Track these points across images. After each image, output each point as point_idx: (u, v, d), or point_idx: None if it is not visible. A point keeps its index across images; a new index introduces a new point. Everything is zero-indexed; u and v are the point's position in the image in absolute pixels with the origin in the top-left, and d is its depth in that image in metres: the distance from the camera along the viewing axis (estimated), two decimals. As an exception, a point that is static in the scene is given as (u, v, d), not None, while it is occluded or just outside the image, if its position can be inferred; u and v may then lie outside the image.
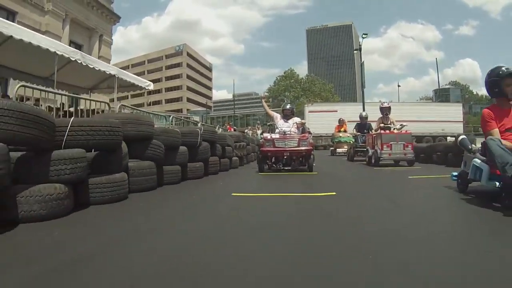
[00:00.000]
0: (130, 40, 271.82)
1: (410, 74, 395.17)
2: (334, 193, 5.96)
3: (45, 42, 9.19)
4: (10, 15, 22.62)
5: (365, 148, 14.25)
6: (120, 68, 19.10)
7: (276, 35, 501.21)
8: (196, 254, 2.73)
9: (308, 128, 13.12)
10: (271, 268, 2.37)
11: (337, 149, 20.71)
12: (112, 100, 13.65)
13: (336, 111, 31.75)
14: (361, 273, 2.23)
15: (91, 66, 10.79)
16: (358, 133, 15.88)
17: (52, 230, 3.47)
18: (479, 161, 4.98)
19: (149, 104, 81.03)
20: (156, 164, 6.64)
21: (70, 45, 23.11)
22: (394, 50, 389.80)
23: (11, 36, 8.13)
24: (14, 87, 7.60)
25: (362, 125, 16.07)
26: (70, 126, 4.65)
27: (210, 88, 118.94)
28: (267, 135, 11.12)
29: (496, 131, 4.67)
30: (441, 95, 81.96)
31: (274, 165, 10.57)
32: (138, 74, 60.32)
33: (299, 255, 2.68)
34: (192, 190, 6.93)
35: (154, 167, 6.56)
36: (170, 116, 20.70)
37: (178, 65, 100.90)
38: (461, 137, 5.75)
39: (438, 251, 2.72)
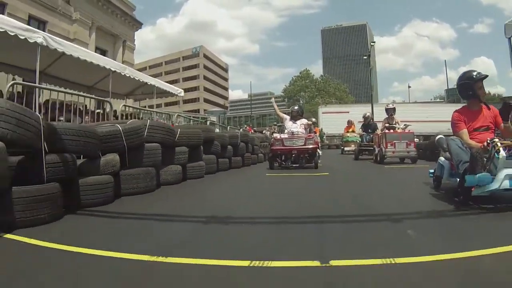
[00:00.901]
0: (145, 41, 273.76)
1: (425, 73, 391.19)
2: (327, 174, 9.81)
3: (100, 60, 11.27)
4: (41, 24, 24.23)
5: (371, 146, 15.19)
6: (137, 69, 21.05)
7: (291, 35, 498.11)
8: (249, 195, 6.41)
9: (314, 128, 13.86)
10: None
11: (345, 148, 21.99)
12: (152, 106, 15.82)
13: (348, 112, 32.56)
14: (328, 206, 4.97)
15: (136, 78, 12.75)
16: (364, 133, 16.61)
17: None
18: (443, 158, 5.53)
19: (166, 105, 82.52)
20: (216, 157, 10.25)
21: (95, 51, 25.24)
22: (409, 49, 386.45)
23: (64, 53, 9.83)
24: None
25: (367, 125, 16.82)
26: (179, 134, 7.99)
27: (226, 89, 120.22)
28: (277, 135, 12.15)
29: (464, 131, 4.93)
30: (453, 95, 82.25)
31: (283, 162, 11.49)
32: (156, 75, 61.80)
33: (301, 198, 5.79)
34: (239, 173, 10.97)
35: (215, 159, 10.22)
36: (190, 117, 22.25)
37: (195, 66, 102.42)
38: (438, 136, 6.05)
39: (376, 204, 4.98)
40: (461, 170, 4.39)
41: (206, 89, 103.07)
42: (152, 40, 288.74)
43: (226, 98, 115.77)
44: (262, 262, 2.54)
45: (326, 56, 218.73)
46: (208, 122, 22.25)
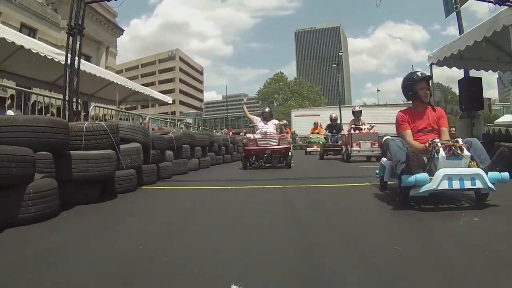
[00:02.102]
0: (119, 43, 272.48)
1: (398, 74, 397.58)
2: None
3: (108, 75, 13.83)
4: (32, 32, 25.97)
5: (336, 147, 16.36)
6: (115, 72, 23.18)
7: (265, 37, 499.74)
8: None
9: (285, 128, 14.19)
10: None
11: (308, 149, 23.34)
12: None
13: (319, 115, 33.70)
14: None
15: (136, 90, 15.51)
16: (329, 133, 17.44)
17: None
18: (385, 159, 5.47)
19: (142, 107, 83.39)
20: (215, 154, 14.29)
21: (82, 57, 26.79)
22: (382, 50, 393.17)
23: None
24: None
25: (332, 126, 17.69)
26: (196, 138, 12.22)
27: (201, 91, 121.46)
28: (250, 136, 12.27)
29: (408, 132, 4.87)
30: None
31: (255, 162, 11.70)
32: (132, 78, 64.37)
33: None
34: (232, 165, 14.31)
35: (215, 156, 14.22)
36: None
37: (171, 69, 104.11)
38: (385, 137, 6.03)
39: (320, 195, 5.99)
40: (399, 171, 4.35)
41: (182, 92, 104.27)
42: (126, 41, 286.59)
43: (201, 100, 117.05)
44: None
45: (299, 57, 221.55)
46: (182, 124, 24.06)
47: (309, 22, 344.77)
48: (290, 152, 12.05)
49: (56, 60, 10.29)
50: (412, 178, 3.98)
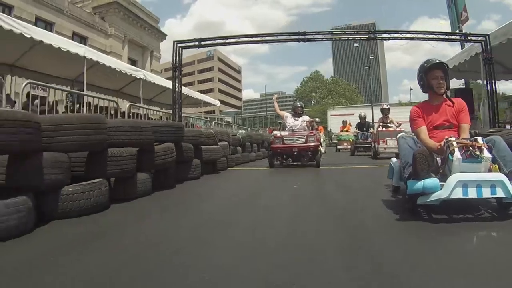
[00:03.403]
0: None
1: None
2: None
3: (167, 83, 15.29)
4: (82, 40, 27.50)
5: (366, 144, 16.44)
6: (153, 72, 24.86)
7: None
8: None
9: (317, 125, 13.71)
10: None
11: (338, 146, 23.34)
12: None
13: (353, 114, 33.98)
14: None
15: (189, 95, 16.96)
16: (359, 131, 17.66)
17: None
18: (395, 160, 4.95)
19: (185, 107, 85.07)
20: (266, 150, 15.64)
21: (128, 62, 29.50)
22: (417, 46, 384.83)
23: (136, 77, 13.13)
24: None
25: (362, 124, 17.81)
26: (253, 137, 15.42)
27: (239, 90, 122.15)
28: (276, 133, 11.62)
29: (422, 129, 4.22)
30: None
31: (284, 161, 11.26)
32: (170, 78, 65.23)
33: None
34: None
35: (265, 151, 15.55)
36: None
37: (209, 69, 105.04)
38: (399, 135, 4.85)
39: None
40: (406, 174, 3.80)
41: (220, 91, 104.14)
42: (162, 42, 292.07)
43: (239, 98, 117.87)
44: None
45: (336, 55, 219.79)
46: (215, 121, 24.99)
47: (343, 19, 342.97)
48: (321, 150, 11.72)
49: (129, 74, 12.81)
50: (419, 184, 3.43)
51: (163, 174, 6.23)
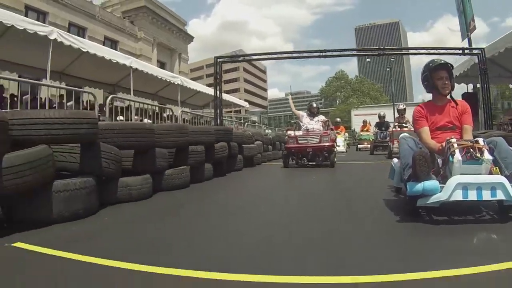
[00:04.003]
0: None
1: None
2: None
3: (198, 86, 16.59)
4: (113, 44, 28.70)
5: (384, 143, 16.56)
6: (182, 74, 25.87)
7: (324, 33, 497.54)
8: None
9: (332, 125, 13.56)
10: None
11: (358, 145, 23.79)
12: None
13: (376, 114, 34.35)
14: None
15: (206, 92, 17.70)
16: (378, 131, 17.89)
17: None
18: (396, 160, 4.88)
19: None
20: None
21: (157, 64, 30.82)
22: (441, 44, 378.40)
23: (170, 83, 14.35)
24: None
25: (380, 124, 17.95)
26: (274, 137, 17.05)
27: (265, 89, 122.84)
28: (291, 133, 11.74)
29: (424, 129, 4.21)
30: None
31: (299, 160, 11.22)
32: (197, 78, 67.26)
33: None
34: None
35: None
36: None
37: (235, 69, 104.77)
38: (401, 135, 4.70)
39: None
40: (406, 176, 3.77)
41: (246, 91, 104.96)
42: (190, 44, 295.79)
43: (265, 98, 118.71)
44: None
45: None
46: (247, 123, 26.02)
47: (367, 17, 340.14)
48: (335, 150, 11.72)
49: (168, 80, 14.34)
50: (419, 186, 3.44)
51: (219, 165, 8.50)
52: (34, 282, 2.24)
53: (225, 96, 19.60)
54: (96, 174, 4.39)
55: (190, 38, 39.96)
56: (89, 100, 9.38)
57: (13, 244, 2.94)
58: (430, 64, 4.29)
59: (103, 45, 23.81)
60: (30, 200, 3.55)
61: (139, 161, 5.71)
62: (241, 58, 17.22)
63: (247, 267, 2.37)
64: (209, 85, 24.70)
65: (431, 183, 3.42)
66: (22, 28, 8.10)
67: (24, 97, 9.06)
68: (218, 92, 14.26)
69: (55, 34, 8.86)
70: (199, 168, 7.34)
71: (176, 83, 14.53)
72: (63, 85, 11.81)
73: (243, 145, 10.87)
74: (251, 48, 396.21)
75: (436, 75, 4.22)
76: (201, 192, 6.35)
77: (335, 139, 12.30)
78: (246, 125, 20.65)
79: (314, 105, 12.14)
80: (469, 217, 3.61)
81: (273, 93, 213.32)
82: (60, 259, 2.61)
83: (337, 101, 77.17)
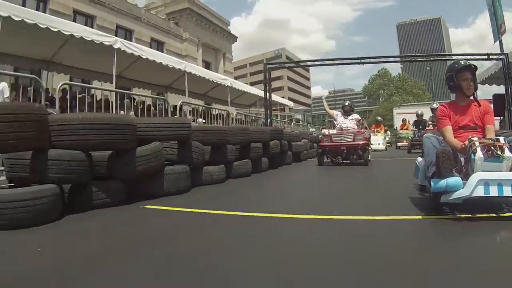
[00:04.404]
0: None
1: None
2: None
3: (247, 87, 17.51)
4: (160, 45, 29.96)
5: (421, 141, 15.94)
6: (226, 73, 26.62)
7: (366, 29, 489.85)
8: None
9: (365, 124, 13.35)
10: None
11: (398, 144, 23.64)
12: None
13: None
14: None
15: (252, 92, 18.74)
16: (415, 129, 17.95)
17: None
18: (420, 159, 4.96)
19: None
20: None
21: (202, 64, 32.27)
22: (484, 40, 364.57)
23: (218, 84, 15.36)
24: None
25: (418, 122, 17.99)
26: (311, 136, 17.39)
27: (308, 87, 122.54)
28: (325, 131, 11.81)
29: (447, 128, 4.32)
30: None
31: (334, 158, 11.26)
32: (240, 76, 69.26)
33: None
34: None
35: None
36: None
37: (278, 68, 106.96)
38: (426, 134, 4.91)
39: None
40: (430, 173, 3.91)
41: (290, 89, 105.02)
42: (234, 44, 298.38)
43: (308, 96, 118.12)
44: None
45: (403, 51, 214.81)
46: (293, 122, 27.42)
47: (408, 13, 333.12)
48: (369, 148, 12.04)
49: (219, 82, 15.40)
50: (442, 182, 3.56)
51: (272, 160, 10.04)
52: (163, 224, 3.90)
53: (272, 97, 20.40)
54: (188, 163, 5.97)
55: (233, 38, 40.83)
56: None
57: (145, 206, 4.66)
58: (456, 65, 4.39)
59: (150, 46, 25.76)
60: (150, 180, 5.19)
61: (215, 155, 7.25)
62: (288, 65, 18.58)
63: (295, 212, 4.07)
64: (252, 84, 25.92)
65: (454, 180, 3.53)
66: (90, 39, 9.10)
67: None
68: (267, 95, 15.86)
69: (119, 43, 9.88)
70: (258, 161, 8.94)
71: (226, 85, 15.60)
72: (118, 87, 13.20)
73: (291, 142, 12.23)
74: (293, 45, 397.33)
75: (461, 76, 4.31)
76: (260, 179, 8.04)
77: (369, 137, 12.28)
78: (292, 124, 21.82)
79: (347, 103, 12.28)
80: (491, 213, 3.66)
81: (316, 91, 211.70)
82: (176, 211, 4.41)
83: (380, 99, 76.63)
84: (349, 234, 3.24)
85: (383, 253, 2.66)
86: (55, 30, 8.29)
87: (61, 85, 7.42)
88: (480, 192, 3.43)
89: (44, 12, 18.42)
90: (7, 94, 7.91)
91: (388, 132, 25.18)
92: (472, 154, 3.66)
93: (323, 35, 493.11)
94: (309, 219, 3.84)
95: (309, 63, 16.76)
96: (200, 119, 12.60)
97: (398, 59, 16.78)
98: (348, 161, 10.99)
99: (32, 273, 2.34)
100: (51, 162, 3.89)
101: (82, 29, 9.34)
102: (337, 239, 3.11)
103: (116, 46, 9.71)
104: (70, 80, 12.09)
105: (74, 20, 21.08)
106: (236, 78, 51.68)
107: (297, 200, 5.26)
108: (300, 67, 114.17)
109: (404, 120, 25.05)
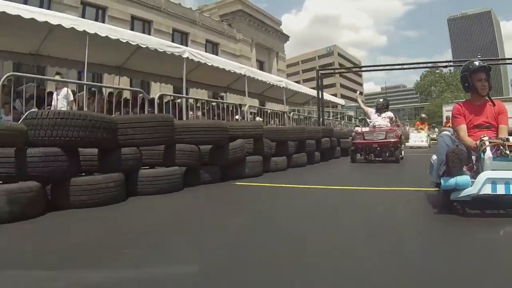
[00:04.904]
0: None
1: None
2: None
3: (299, 87, 18.80)
4: (214, 46, 31.31)
5: None
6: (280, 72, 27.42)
7: (418, 24, 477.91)
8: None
9: (398, 122, 13.49)
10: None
11: None
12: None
13: None
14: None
15: (314, 95, 20.04)
16: None
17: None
18: (434, 157, 4.91)
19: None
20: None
21: (256, 64, 33.66)
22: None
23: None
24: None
25: None
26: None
27: (361, 84, 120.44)
28: (358, 129, 12.07)
29: (462, 127, 4.39)
30: None
31: (367, 156, 11.52)
32: (293, 74, 71.12)
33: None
34: None
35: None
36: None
37: (330, 64, 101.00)
38: (442, 133, 4.92)
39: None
40: (441, 171, 3.96)
41: (342, 86, 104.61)
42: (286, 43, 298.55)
43: (361, 93, 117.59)
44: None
45: (455, 45, 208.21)
46: (343, 120, 28.33)
47: (459, 6, 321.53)
48: (401, 146, 12.24)
49: (276, 85, 16.83)
50: (452, 180, 3.71)
51: (323, 154, 11.95)
52: (247, 192, 6.20)
53: (326, 96, 21.61)
54: (261, 155, 8.26)
55: (285, 37, 41.39)
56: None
57: (234, 183, 6.94)
58: (470, 66, 4.43)
59: (205, 48, 28.18)
60: (236, 166, 7.46)
61: (279, 149, 9.25)
62: (339, 71, 20.08)
63: (339, 185, 6.44)
64: (305, 81, 27.32)
65: (463, 178, 3.66)
66: (162, 50, 10.53)
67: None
68: (320, 97, 18.02)
69: (187, 53, 11.17)
70: (312, 155, 10.97)
71: (281, 86, 16.84)
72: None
73: (340, 139, 13.95)
74: (343, 41, 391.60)
75: (476, 77, 4.37)
76: (313, 168, 10.22)
77: (401, 135, 12.22)
78: (342, 122, 23.46)
79: (381, 100, 12.48)
80: (501, 211, 3.86)
81: (369, 87, 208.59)
82: (255, 185, 6.65)
83: (434, 95, 75.16)
84: (371, 199, 5.28)
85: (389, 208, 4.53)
86: (134, 44, 9.89)
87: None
88: (487, 190, 3.57)
89: (103, 19, 21.61)
90: (71, 98, 9.20)
91: (436, 129, 26.03)
92: (482, 153, 3.80)
93: (374, 30, 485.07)
94: (348, 189, 6.19)
95: (356, 69, 18.57)
96: (259, 118, 14.49)
97: (450, 63, 17.43)
98: (381, 159, 11.31)
99: (186, 218, 4.27)
100: (177, 152, 6.17)
101: (156, 41, 10.97)
102: (364, 198, 5.39)
103: (184, 56, 11.09)
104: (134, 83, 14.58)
105: (132, 25, 23.64)
106: (288, 75, 54.62)
107: (341, 179, 7.83)
108: (353, 64, 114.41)
109: (447, 118, 25.35)
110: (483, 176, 3.59)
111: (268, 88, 17.80)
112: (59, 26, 8.18)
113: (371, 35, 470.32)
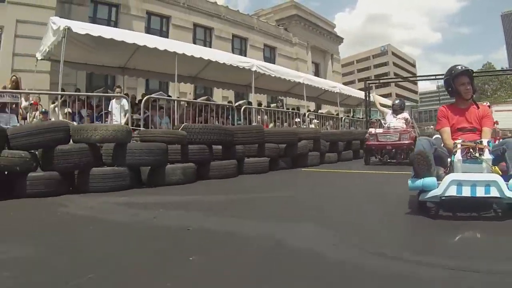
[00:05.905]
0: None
1: None
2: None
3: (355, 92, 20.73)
4: (272, 50, 33.05)
5: None
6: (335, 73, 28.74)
7: (473, 20, 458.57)
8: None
9: (413, 123, 13.46)
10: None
11: None
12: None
13: None
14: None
15: (357, 96, 21.73)
16: None
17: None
18: None
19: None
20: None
21: (312, 66, 35.24)
22: None
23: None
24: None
25: None
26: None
27: (415, 83, 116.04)
28: (371, 130, 11.72)
29: (445, 129, 4.42)
30: None
31: (381, 157, 11.37)
32: (348, 73, 76.58)
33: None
34: None
35: None
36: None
37: (384, 64, 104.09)
38: (434, 136, 5.00)
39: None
40: (412, 174, 4.00)
41: (397, 85, 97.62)
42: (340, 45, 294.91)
43: (415, 92, 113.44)
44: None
45: (509, 41, 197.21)
46: None
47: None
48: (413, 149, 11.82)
49: (331, 90, 18.90)
50: (419, 182, 3.78)
51: (355, 152, 13.98)
52: (312, 175, 9.35)
53: (377, 98, 22.24)
54: (318, 151, 11.58)
55: (340, 39, 42.00)
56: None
57: (302, 169, 10.26)
58: (452, 72, 4.41)
59: (263, 52, 30.40)
60: (302, 159, 10.78)
61: (331, 147, 12.48)
62: (384, 81, 20.61)
63: (358, 170, 9.94)
64: (360, 80, 28.59)
65: (429, 180, 3.71)
66: (235, 65, 12.71)
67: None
68: (367, 103, 19.37)
69: (255, 67, 13.18)
70: (356, 152, 13.91)
71: (335, 92, 18.76)
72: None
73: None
74: (397, 40, 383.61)
75: (458, 81, 4.37)
76: (345, 165, 11.92)
77: (416, 137, 11.41)
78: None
79: (397, 102, 12.21)
80: (473, 214, 3.82)
81: (424, 85, 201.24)
82: (317, 171, 9.98)
83: (488, 93, 72.47)
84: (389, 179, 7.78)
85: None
86: (206, 58, 11.97)
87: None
88: (452, 192, 3.58)
89: (167, 27, 24.66)
90: (127, 107, 9.99)
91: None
92: (453, 156, 3.93)
93: (429, 27, 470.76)
94: (373, 173, 9.15)
95: (404, 79, 19.95)
96: (265, 117, 15.99)
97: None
98: (395, 161, 11.09)
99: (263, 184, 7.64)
100: (266, 149, 9.51)
101: (228, 57, 13.25)
102: (384, 178, 8.20)
103: (253, 69, 13.17)
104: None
105: (194, 32, 25.99)
106: (344, 75, 55.15)
107: (375, 167, 10.55)
108: (406, 62, 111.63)
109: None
110: (448, 178, 3.66)
111: (323, 92, 19.20)
112: (144, 46, 10.50)
113: (425, 32, 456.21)
